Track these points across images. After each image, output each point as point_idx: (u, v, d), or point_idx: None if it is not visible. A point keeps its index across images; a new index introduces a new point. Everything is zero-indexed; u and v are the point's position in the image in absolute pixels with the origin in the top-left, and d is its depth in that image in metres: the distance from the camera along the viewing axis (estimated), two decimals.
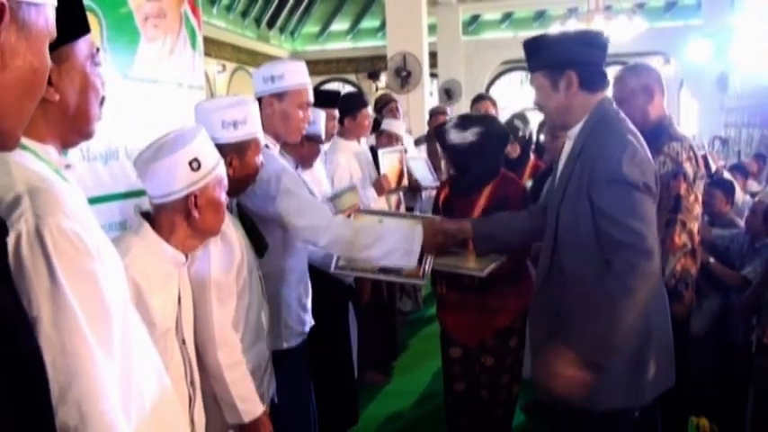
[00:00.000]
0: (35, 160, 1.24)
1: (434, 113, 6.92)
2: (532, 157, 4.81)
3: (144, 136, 2.14)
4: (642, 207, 2.25)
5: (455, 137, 3.17)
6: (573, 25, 10.63)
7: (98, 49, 1.36)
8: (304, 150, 3.52)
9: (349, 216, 3.04)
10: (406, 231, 2.72)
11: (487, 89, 15.64)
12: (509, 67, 15.81)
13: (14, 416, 0.89)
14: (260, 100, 2.75)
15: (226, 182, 2.09)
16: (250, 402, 2.25)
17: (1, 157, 1.16)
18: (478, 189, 3.22)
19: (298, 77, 2.79)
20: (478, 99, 6.05)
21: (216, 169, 2.03)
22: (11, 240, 1.12)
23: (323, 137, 3.62)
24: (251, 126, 2.39)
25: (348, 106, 4.73)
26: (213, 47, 12.43)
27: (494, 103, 5.87)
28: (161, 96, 3.02)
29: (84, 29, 1.30)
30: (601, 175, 2.28)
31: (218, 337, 2.19)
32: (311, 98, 2.86)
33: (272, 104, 2.75)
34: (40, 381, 0.97)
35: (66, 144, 1.37)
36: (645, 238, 2.22)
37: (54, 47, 1.19)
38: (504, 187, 3.22)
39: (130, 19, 2.83)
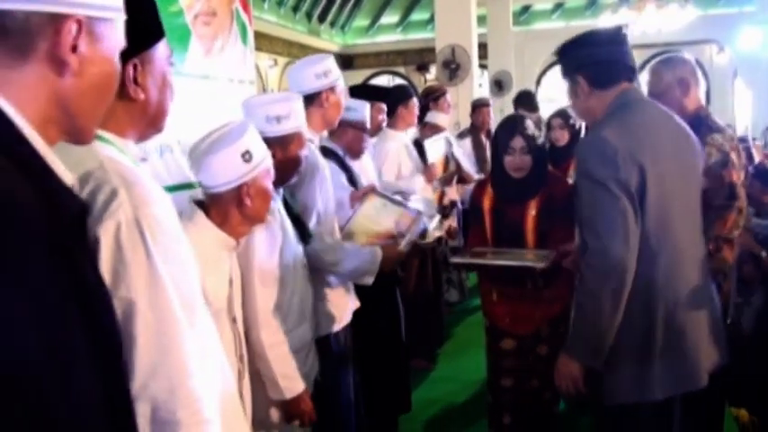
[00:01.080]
0: (118, 153, 1.37)
1: (478, 106, 6.89)
2: None
3: (197, 130, 2.27)
4: (605, 206, 2.24)
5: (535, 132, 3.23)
6: (624, 14, 10.55)
7: (172, 51, 1.50)
8: (349, 137, 3.63)
9: (365, 195, 3.30)
10: (369, 255, 2.92)
11: (538, 80, 15.54)
12: None
13: (100, 388, 0.99)
14: (315, 95, 2.96)
15: (273, 172, 2.23)
16: (291, 380, 2.39)
17: (90, 151, 1.29)
18: (535, 192, 3.16)
19: (337, 69, 3.07)
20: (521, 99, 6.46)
21: (265, 160, 2.18)
22: (111, 228, 1.24)
23: (367, 124, 3.74)
24: (294, 121, 2.53)
25: (400, 96, 4.91)
26: (265, 41, 12.62)
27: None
28: (213, 92, 3.16)
29: (162, 33, 1.45)
30: (577, 169, 2.38)
31: (262, 317, 2.34)
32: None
33: (329, 98, 3.00)
34: (117, 353, 1.08)
35: (141, 138, 1.50)
36: (603, 240, 2.22)
37: (140, 50, 1.36)
38: (550, 186, 3.19)
39: (180, 17, 2.97)
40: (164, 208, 1.33)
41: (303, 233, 2.61)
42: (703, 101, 3.25)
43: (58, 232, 0.93)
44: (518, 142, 3.12)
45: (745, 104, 14.51)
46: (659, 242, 2.29)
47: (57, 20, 1.00)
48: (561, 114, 4.87)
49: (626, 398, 2.36)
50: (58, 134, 1.06)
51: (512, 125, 3.21)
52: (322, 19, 15.41)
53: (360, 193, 3.38)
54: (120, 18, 1.11)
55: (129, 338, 1.23)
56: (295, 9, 14.29)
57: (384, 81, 16.01)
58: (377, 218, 3.22)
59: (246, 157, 2.09)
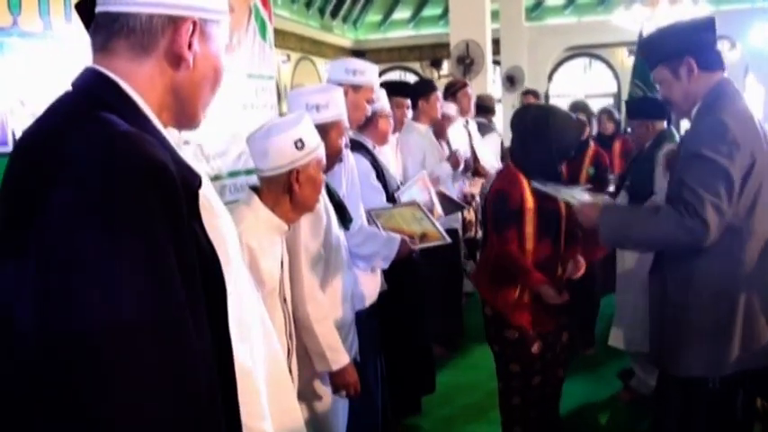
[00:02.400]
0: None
1: (491, 110, 7.06)
2: (592, 144, 5.16)
3: (213, 125, 2.36)
4: (716, 179, 2.34)
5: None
6: (638, 10, 10.54)
7: None
8: (377, 125, 3.70)
9: (412, 204, 3.47)
10: (387, 240, 3.11)
11: (550, 76, 15.59)
12: (573, 53, 15.70)
13: (212, 336, 1.13)
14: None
15: (324, 163, 2.35)
16: (337, 352, 2.52)
17: None
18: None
19: (372, 76, 3.21)
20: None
21: (316, 150, 2.30)
22: None
23: (389, 111, 3.85)
24: (333, 110, 2.68)
25: (421, 90, 5.04)
26: (278, 37, 12.51)
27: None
28: (230, 86, 3.24)
29: None
30: (686, 150, 2.48)
31: (308, 293, 2.47)
32: (375, 97, 3.30)
33: (348, 93, 3.07)
34: (224, 308, 1.21)
35: (176, 128, 1.62)
36: (703, 204, 2.31)
37: None
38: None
39: None
40: (203, 186, 1.45)
41: (344, 218, 2.73)
42: None
43: (188, 200, 1.08)
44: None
45: (757, 101, 14.51)
46: (750, 229, 2.42)
47: (176, 21, 1.16)
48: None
49: (701, 372, 2.50)
50: (169, 120, 1.22)
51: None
52: (334, 14, 15.50)
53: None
54: (226, 20, 1.25)
55: None
56: (308, 5, 14.38)
57: (396, 76, 16.05)
58: (409, 221, 3.38)
59: (299, 144, 2.22)
